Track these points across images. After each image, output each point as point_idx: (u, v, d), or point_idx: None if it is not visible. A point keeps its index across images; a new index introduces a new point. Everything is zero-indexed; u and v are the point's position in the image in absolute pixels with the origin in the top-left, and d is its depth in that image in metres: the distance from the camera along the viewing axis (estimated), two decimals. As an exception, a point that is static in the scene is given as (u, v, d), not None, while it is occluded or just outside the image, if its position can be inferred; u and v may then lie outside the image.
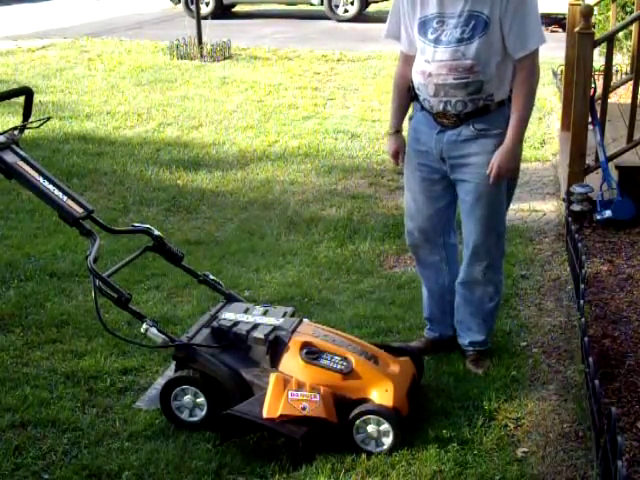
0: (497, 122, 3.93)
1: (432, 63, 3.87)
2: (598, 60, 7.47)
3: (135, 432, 3.77)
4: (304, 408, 3.56)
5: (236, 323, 3.90)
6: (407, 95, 4.17)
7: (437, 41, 3.84)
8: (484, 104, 3.88)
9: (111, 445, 3.68)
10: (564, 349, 4.51)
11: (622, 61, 10.58)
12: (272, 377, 3.64)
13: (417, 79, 4.00)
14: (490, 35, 3.75)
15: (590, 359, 3.84)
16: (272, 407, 3.57)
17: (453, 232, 4.39)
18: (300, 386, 3.61)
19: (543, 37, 3.81)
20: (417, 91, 4.04)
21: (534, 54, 3.82)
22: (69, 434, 3.76)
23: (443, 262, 4.37)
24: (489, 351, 4.39)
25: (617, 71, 9.64)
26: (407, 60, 4.12)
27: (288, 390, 3.60)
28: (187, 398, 3.78)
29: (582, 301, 4.61)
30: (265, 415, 3.55)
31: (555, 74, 10.93)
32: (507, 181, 4.08)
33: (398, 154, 4.29)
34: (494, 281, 4.28)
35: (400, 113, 4.28)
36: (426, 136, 4.07)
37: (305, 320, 4.06)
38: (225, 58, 13.47)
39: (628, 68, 9.51)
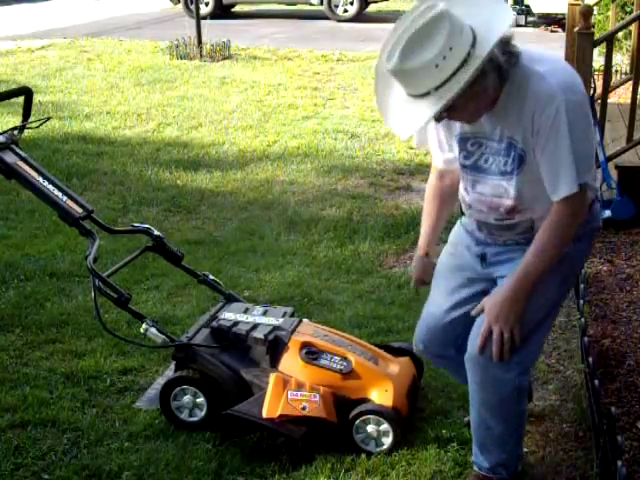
0: None
1: (471, 194, 3.13)
2: (597, 60, 7.47)
3: (135, 432, 3.76)
4: (304, 408, 3.56)
5: (236, 323, 3.90)
6: (443, 214, 3.48)
7: (476, 168, 3.06)
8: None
9: (111, 445, 3.68)
10: (564, 349, 4.51)
11: (621, 61, 10.58)
12: (272, 377, 3.64)
13: (461, 200, 3.29)
14: (530, 168, 2.91)
15: (590, 359, 3.84)
16: (272, 407, 3.57)
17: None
18: (300, 386, 3.61)
19: (576, 181, 2.79)
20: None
21: (571, 201, 2.85)
22: (69, 434, 3.76)
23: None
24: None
25: (616, 71, 9.64)
26: (442, 176, 3.40)
27: (288, 390, 3.59)
28: (187, 398, 3.78)
29: (582, 301, 4.61)
30: (265, 415, 3.55)
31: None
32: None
33: (423, 281, 3.58)
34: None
35: (432, 233, 3.50)
36: (465, 246, 3.34)
37: (305, 320, 4.06)
38: (225, 58, 13.47)
39: (627, 68, 9.51)
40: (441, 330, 3.38)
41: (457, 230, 3.40)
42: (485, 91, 2.79)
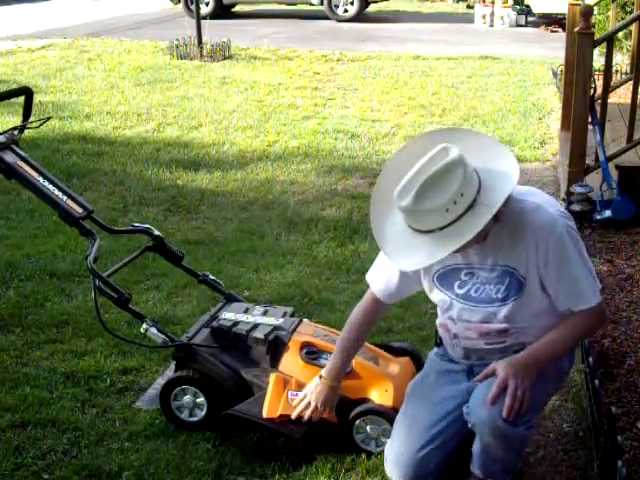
0: None
1: (458, 323, 3.16)
2: (598, 60, 7.47)
3: (135, 432, 3.76)
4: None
5: (236, 323, 3.90)
6: (360, 343, 3.51)
7: (466, 297, 3.10)
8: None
9: (111, 445, 3.68)
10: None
11: (622, 61, 10.58)
12: (272, 377, 3.64)
13: (440, 332, 3.34)
14: (527, 295, 3.00)
15: (590, 359, 3.84)
16: (272, 407, 3.56)
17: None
18: (300, 386, 3.60)
19: (598, 292, 3.00)
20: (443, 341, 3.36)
21: (598, 309, 3.02)
22: (69, 434, 3.76)
23: None
24: None
25: (617, 71, 9.64)
26: (378, 306, 3.41)
27: (288, 390, 3.60)
28: (187, 398, 3.78)
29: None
30: (265, 415, 3.55)
31: (555, 74, 10.93)
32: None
33: (323, 408, 3.47)
34: None
35: (341, 361, 3.45)
36: (446, 370, 3.34)
37: (305, 320, 4.06)
38: (225, 58, 13.48)
39: (628, 68, 9.51)
40: (415, 465, 3.20)
41: (431, 362, 3.44)
42: (480, 234, 2.86)
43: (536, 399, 3.02)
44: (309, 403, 3.47)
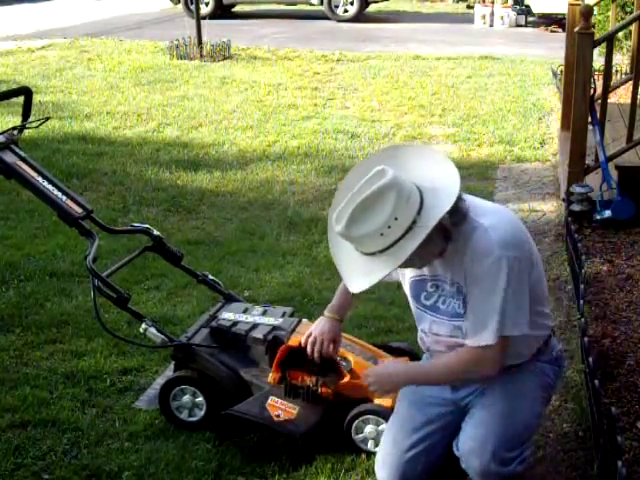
0: (525, 368, 3.12)
1: (429, 335, 3.16)
2: (598, 60, 7.47)
3: (135, 432, 3.77)
4: (278, 415, 3.58)
5: (235, 323, 3.90)
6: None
7: (434, 309, 3.09)
8: (500, 375, 3.02)
9: (111, 445, 3.68)
10: (564, 349, 4.50)
11: (622, 61, 10.58)
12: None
13: (420, 345, 3.34)
14: None
15: (590, 359, 3.84)
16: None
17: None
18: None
19: (497, 334, 2.84)
20: None
21: (486, 351, 2.88)
22: (69, 434, 3.76)
23: None
24: None
25: (617, 71, 9.64)
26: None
27: (270, 395, 3.62)
28: (186, 398, 3.78)
29: (582, 301, 4.61)
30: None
31: (555, 74, 10.93)
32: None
33: (312, 343, 3.50)
34: None
35: (343, 299, 3.53)
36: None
37: (304, 320, 4.05)
38: (225, 58, 13.48)
39: (628, 68, 9.51)
40: (402, 468, 3.19)
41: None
42: (431, 251, 2.85)
43: (524, 426, 3.03)
44: (315, 339, 3.49)
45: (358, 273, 2.90)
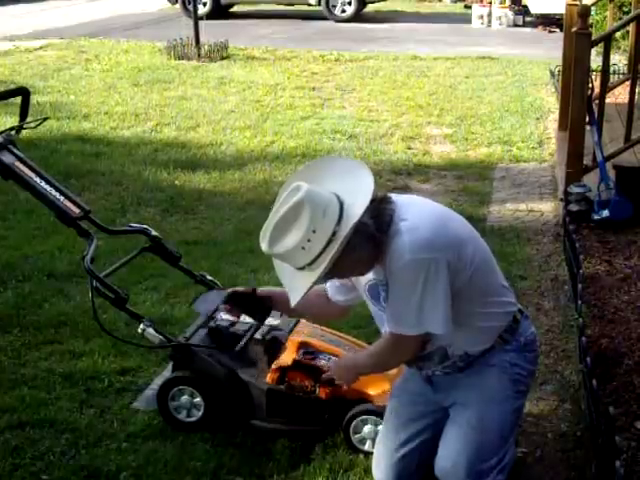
0: (492, 363, 3.03)
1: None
2: (595, 60, 7.47)
3: (133, 432, 3.77)
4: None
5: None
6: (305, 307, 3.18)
7: (384, 308, 3.06)
8: (465, 363, 3.02)
9: (109, 446, 3.68)
10: (562, 349, 4.51)
11: (619, 61, 10.59)
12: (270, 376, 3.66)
13: None
14: None
15: (588, 359, 3.85)
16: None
17: None
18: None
19: (416, 327, 2.84)
20: None
21: (403, 339, 2.91)
22: (67, 435, 3.76)
23: None
24: None
25: (614, 71, 9.65)
26: (324, 297, 3.34)
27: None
28: (184, 398, 3.78)
29: (580, 301, 4.62)
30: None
31: (553, 74, 10.95)
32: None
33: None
34: None
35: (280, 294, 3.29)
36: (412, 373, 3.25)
37: (302, 320, 4.06)
38: (223, 58, 13.47)
39: (625, 68, 9.52)
40: (395, 467, 3.19)
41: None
42: (360, 259, 2.82)
43: (497, 431, 2.97)
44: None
45: (294, 287, 2.90)
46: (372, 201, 2.72)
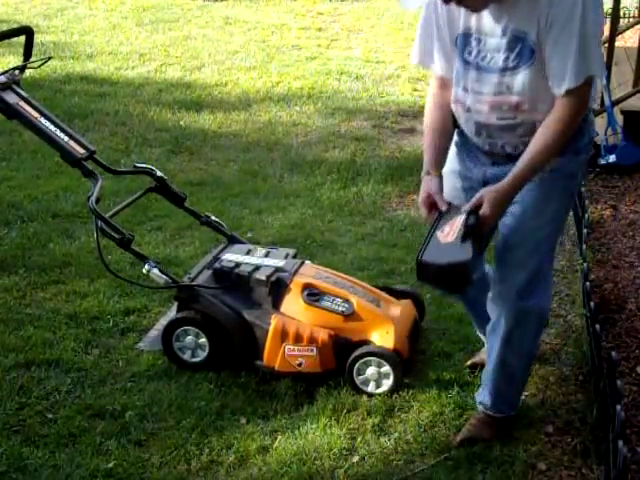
0: (558, 160, 2.99)
1: (470, 94, 3.01)
2: (605, 3, 7.37)
3: (138, 373, 3.79)
4: (300, 364, 3.63)
5: (238, 264, 3.90)
6: (447, 129, 3.21)
7: (476, 66, 2.96)
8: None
9: (114, 385, 3.71)
10: (565, 293, 4.52)
11: (630, 4, 10.45)
12: (273, 321, 3.66)
13: (454, 109, 3.15)
14: (539, 65, 2.83)
15: (591, 303, 3.85)
16: (271, 357, 3.65)
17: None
18: (298, 339, 3.63)
19: (585, 73, 2.77)
20: (458, 120, 3.18)
21: (577, 94, 2.81)
22: (72, 374, 3.78)
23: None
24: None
25: (624, 14, 9.53)
26: (445, 85, 3.17)
27: (285, 345, 3.63)
28: (189, 339, 3.80)
29: (584, 245, 4.61)
30: (265, 363, 3.65)
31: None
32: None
33: (430, 203, 3.07)
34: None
35: (436, 152, 3.16)
36: (469, 162, 3.23)
37: (307, 262, 4.06)
38: (228, -3, 13.33)
39: (636, 11, 9.40)
40: None
41: (451, 157, 3.29)
42: None
43: (538, 240, 3.08)
44: (428, 195, 3.09)
45: None
46: None
